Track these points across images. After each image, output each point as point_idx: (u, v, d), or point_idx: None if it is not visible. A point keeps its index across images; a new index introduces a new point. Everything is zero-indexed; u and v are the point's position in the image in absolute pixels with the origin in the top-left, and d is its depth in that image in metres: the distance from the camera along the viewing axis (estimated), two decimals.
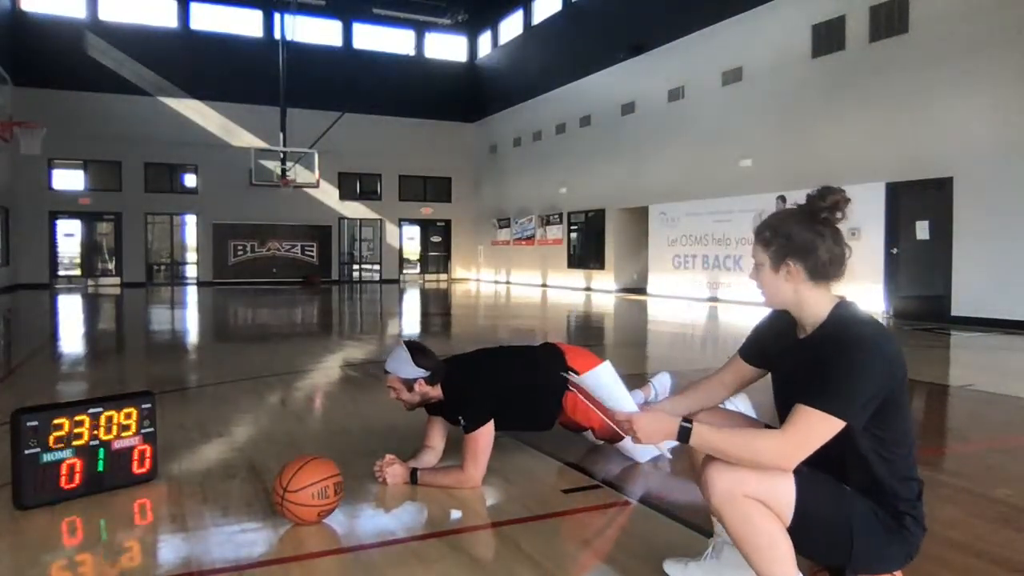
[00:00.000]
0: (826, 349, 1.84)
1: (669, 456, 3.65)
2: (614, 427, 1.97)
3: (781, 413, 2.07)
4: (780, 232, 1.94)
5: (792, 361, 2.01)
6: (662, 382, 4.07)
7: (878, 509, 1.87)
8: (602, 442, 3.79)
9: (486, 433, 3.18)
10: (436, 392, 3.27)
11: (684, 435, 1.84)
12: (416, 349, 3.25)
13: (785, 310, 2.02)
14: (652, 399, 3.98)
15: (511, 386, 3.36)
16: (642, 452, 3.61)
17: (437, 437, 3.45)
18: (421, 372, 3.21)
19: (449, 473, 3.24)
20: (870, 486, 1.89)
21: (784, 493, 1.79)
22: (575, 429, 3.66)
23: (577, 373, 3.45)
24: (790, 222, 1.95)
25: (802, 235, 1.92)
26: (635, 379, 6.37)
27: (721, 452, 1.81)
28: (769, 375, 2.19)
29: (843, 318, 1.90)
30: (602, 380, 2.04)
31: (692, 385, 2.31)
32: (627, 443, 3.59)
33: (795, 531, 1.82)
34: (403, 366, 3.21)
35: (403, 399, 3.27)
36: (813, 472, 1.83)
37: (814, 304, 1.94)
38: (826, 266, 1.93)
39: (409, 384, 3.22)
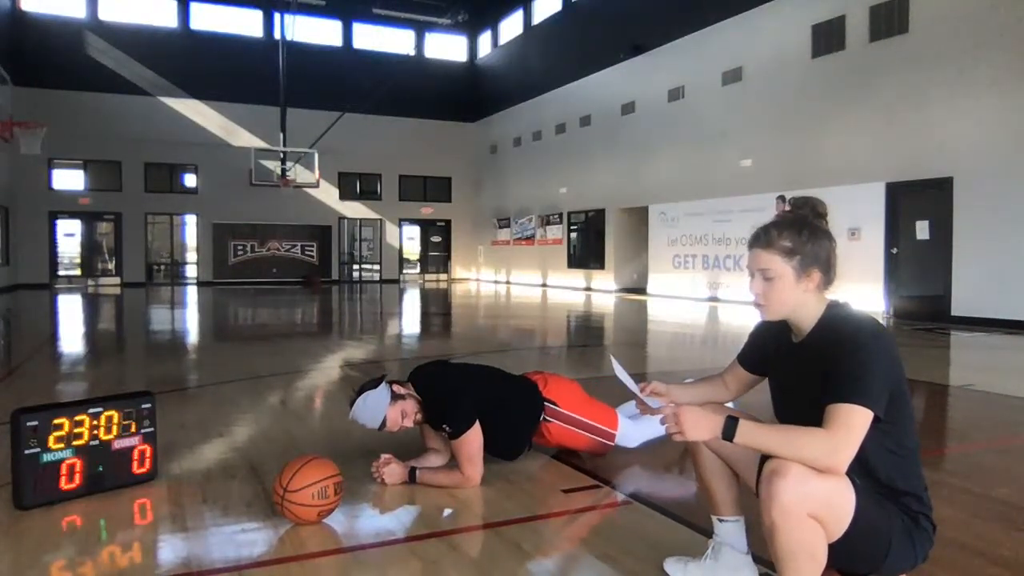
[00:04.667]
0: (831, 349, 1.84)
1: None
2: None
3: (780, 417, 2.08)
4: (805, 242, 1.92)
5: (790, 365, 2.02)
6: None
7: (900, 511, 1.88)
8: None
9: (474, 435, 3.17)
10: (414, 393, 3.28)
11: (730, 431, 1.79)
12: (362, 391, 3.22)
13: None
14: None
15: (489, 396, 3.33)
16: (632, 439, 3.63)
17: (435, 439, 3.44)
18: (384, 388, 3.20)
19: (448, 473, 3.24)
20: (887, 488, 1.89)
21: (846, 512, 1.78)
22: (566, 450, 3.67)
23: (554, 404, 3.47)
24: (805, 232, 1.94)
25: (823, 245, 1.94)
26: (635, 379, 6.37)
27: (768, 450, 1.78)
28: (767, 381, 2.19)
29: (837, 318, 1.92)
30: (619, 372, 2.12)
31: (698, 380, 2.33)
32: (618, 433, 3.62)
33: (840, 543, 1.80)
34: (379, 399, 3.18)
35: (412, 410, 3.24)
36: (864, 485, 1.82)
37: (813, 309, 1.96)
38: (835, 273, 1.96)
39: (398, 396, 3.21)
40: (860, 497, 1.80)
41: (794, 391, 2.01)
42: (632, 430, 3.61)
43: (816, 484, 1.72)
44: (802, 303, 1.95)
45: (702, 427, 1.84)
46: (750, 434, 1.79)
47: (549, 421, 3.46)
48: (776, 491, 1.71)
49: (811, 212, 1.99)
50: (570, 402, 3.50)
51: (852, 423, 1.73)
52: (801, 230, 1.94)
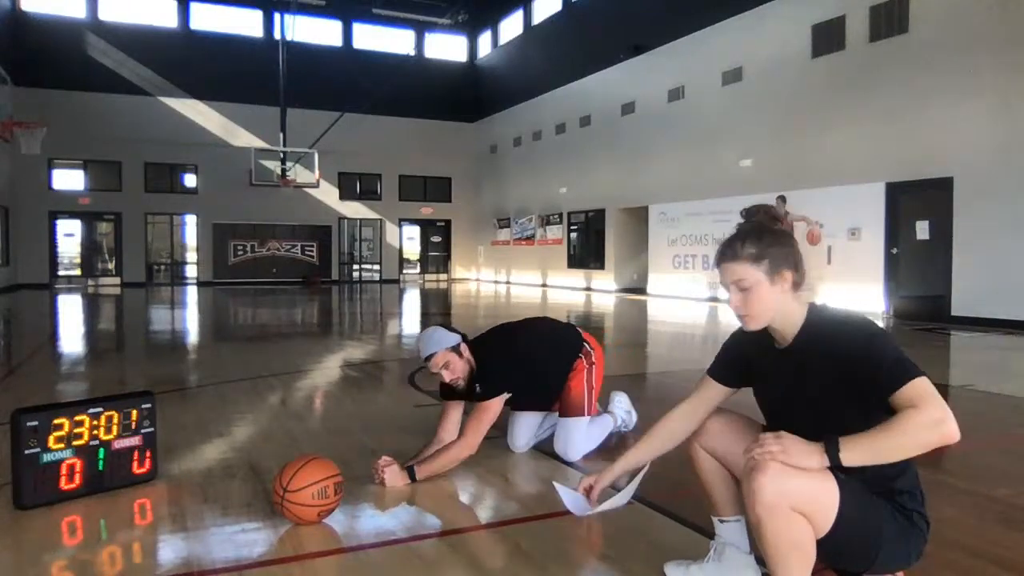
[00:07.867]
0: (836, 351, 1.83)
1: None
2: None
3: (772, 425, 2.06)
4: (769, 245, 1.93)
5: (780, 372, 2.00)
6: (619, 403, 4.13)
7: (893, 509, 1.88)
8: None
9: (496, 405, 3.31)
10: (472, 362, 3.39)
11: (834, 456, 1.70)
12: (439, 325, 3.43)
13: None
14: (621, 426, 4.03)
15: (541, 360, 3.58)
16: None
17: (450, 426, 3.46)
18: (457, 335, 3.36)
19: (444, 453, 3.26)
20: (879, 484, 1.88)
21: (830, 506, 1.77)
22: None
23: (592, 351, 3.68)
24: (766, 236, 1.94)
25: (786, 245, 1.95)
26: (636, 379, 6.38)
27: (887, 457, 1.72)
28: (732, 394, 2.20)
29: (827, 320, 1.92)
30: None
31: (645, 436, 2.28)
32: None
33: (827, 539, 1.80)
34: (442, 339, 3.33)
35: (457, 373, 3.34)
36: (849, 480, 1.82)
37: (794, 312, 1.95)
38: (804, 272, 1.96)
39: (457, 350, 3.33)
40: (847, 493, 1.79)
41: (787, 398, 1.99)
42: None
43: (795, 480, 1.72)
44: (782, 307, 1.94)
45: (803, 454, 1.73)
46: (857, 449, 1.70)
47: (579, 359, 3.66)
48: (757, 487, 1.72)
49: (766, 218, 2.00)
50: (599, 361, 3.75)
51: (928, 391, 1.71)
52: (761, 235, 1.95)
